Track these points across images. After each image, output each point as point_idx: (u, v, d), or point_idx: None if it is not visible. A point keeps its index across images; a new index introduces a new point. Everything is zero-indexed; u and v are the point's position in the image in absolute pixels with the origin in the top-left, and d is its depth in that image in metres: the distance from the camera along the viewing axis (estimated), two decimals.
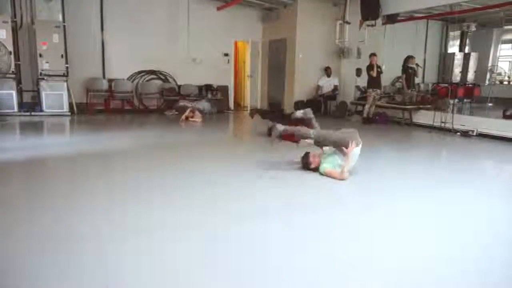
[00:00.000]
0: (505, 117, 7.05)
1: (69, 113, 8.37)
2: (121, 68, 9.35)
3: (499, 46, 13.83)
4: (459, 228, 2.77)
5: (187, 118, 8.02)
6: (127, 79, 9.49)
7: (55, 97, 8.24)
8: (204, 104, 8.51)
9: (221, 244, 2.39)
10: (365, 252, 2.34)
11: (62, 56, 8.12)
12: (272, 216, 2.88)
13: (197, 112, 8.15)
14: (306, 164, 4.06)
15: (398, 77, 11.21)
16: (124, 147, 5.51)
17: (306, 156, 4.06)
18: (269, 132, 5.84)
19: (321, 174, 3.91)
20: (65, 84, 8.28)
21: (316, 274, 2.05)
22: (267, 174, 4.04)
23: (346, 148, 3.80)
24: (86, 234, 2.45)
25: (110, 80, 9.22)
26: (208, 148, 5.78)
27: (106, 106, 9.21)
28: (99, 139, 6.04)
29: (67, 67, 8.26)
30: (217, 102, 9.91)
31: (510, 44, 14.17)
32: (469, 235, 2.67)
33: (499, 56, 14.05)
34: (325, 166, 3.90)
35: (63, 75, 8.22)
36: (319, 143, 4.07)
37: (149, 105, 9.75)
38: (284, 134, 4.43)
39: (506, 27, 12.31)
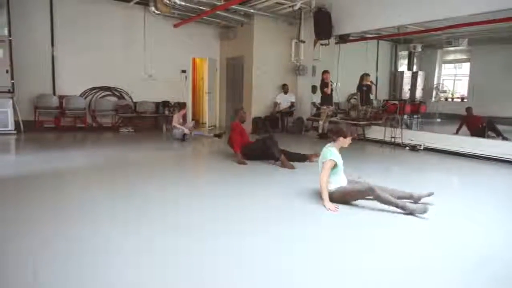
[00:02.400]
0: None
1: (15, 132, 7.92)
2: (73, 84, 9.02)
3: (443, 65, 14.87)
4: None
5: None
6: (80, 95, 9.17)
7: None
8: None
9: None
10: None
11: (7, 71, 7.71)
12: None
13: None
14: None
15: (353, 94, 11.70)
16: (73, 167, 5.27)
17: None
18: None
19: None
20: (10, 100, 7.85)
21: None
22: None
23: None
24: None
25: (61, 97, 8.85)
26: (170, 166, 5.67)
27: (56, 124, 8.82)
28: (46, 159, 5.72)
29: (13, 83, 7.85)
30: None
31: (452, 64, 15.25)
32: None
33: (443, 74, 15.08)
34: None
35: (8, 91, 7.80)
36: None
37: (103, 122, 9.44)
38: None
39: (447, 48, 13.27)
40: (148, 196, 3.88)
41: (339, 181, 3.70)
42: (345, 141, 3.73)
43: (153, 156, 6.48)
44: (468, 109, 8.46)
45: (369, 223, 3.24)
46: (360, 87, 9.04)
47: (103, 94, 9.49)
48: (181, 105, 8.94)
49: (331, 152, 3.66)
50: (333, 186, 3.65)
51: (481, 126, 7.78)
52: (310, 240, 2.85)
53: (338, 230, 3.09)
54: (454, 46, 12.65)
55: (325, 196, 3.56)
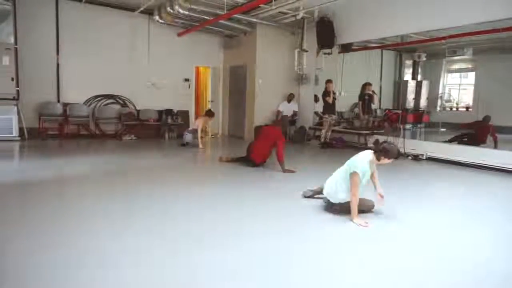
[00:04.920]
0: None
1: (19, 138, 8.00)
2: (77, 92, 9.12)
3: (448, 75, 14.80)
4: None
5: None
6: (84, 103, 9.25)
7: (3, 121, 7.88)
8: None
9: None
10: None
11: (12, 79, 7.82)
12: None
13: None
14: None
15: (356, 103, 11.68)
16: (75, 174, 5.30)
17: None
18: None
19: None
20: (15, 108, 7.96)
21: None
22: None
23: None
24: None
25: (65, 104, 8.94)
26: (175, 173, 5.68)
27: (60, 131, 8.90)
28: (49, 166, 5.76)
29: (17, 91, 7.96)
30: (178, 127, 9.93)
31: (457, 73, 15.17)
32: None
33: (447, 84, 15.01)
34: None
35: (13, 99, 7.91)
36: None
37: (106, 130, 9.50)
38: None
39: (452, 58, 13.20)
40: (150, 203, 3.88)
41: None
42: (385, 162, 3.46)
43: (155, 164, 6.48)
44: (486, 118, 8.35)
45: (365, 236, 3.20)
46: (362, 96, 9.03)
47: (106, 102, 9.57)
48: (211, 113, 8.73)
49: (363, 162, 3.43)
50: (346, 195, 3.51)
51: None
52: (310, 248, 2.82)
53: (336, 240, 3.06)
54: (459, 56, 12.59)
55: (354, 211, 3.38)
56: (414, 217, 3.74)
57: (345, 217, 3.51)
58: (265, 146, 5.81)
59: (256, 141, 6.16)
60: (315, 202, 4.02)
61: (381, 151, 3.43)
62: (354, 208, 3.39)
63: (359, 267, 2.56)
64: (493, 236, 3.30)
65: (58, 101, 8.94)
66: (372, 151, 3.53)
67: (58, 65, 8.84)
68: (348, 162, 3.61)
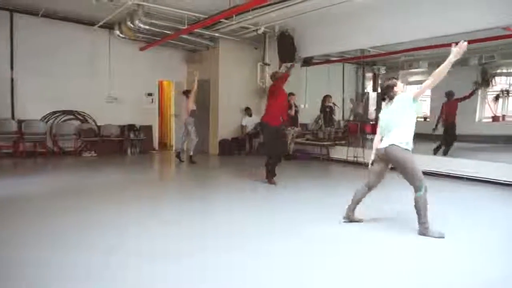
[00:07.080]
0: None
1: None
2: (34, 108, 8.77)
3: (406, 86, 15.42)
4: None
5: None
6: (41, 119, 8.92)
7: None
8: None
9: None
10: None
11: None
12: None
13: None
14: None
15: (319, 115, 11.95)
16: (28, 194, 5.07)
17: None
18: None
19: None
20: None
21: None
22: None
23: None
24: None
25: (20, 121, 8.58)
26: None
27: (15, 149, 8.51)
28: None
29: None
30: (141, 142, 9.78)
31: (415, 85, 15.81)
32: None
33: None
34: None
35: None
36: None
37: (65, 147, 9.18)
38: None
39: (409, 70, 13.85)
40: (110, 224, 3.77)
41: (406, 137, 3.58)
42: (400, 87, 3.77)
43: (110, 182, 6.31)
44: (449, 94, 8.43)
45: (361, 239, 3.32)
46: (323, 108, 9.24)
47: (65, 118, 9.27)
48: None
49: (408, 93, 3.70)
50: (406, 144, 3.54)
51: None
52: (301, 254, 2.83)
53: (323, 244, 3.18)
54: (415, 68, 13.22)
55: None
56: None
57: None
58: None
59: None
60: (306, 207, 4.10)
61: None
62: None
63: (357, 266, 2.71)
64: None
65: (13, 117, 8.57)
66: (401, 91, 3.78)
67: (12, 80, 8.50)
68: (394, 109, 3.65)
